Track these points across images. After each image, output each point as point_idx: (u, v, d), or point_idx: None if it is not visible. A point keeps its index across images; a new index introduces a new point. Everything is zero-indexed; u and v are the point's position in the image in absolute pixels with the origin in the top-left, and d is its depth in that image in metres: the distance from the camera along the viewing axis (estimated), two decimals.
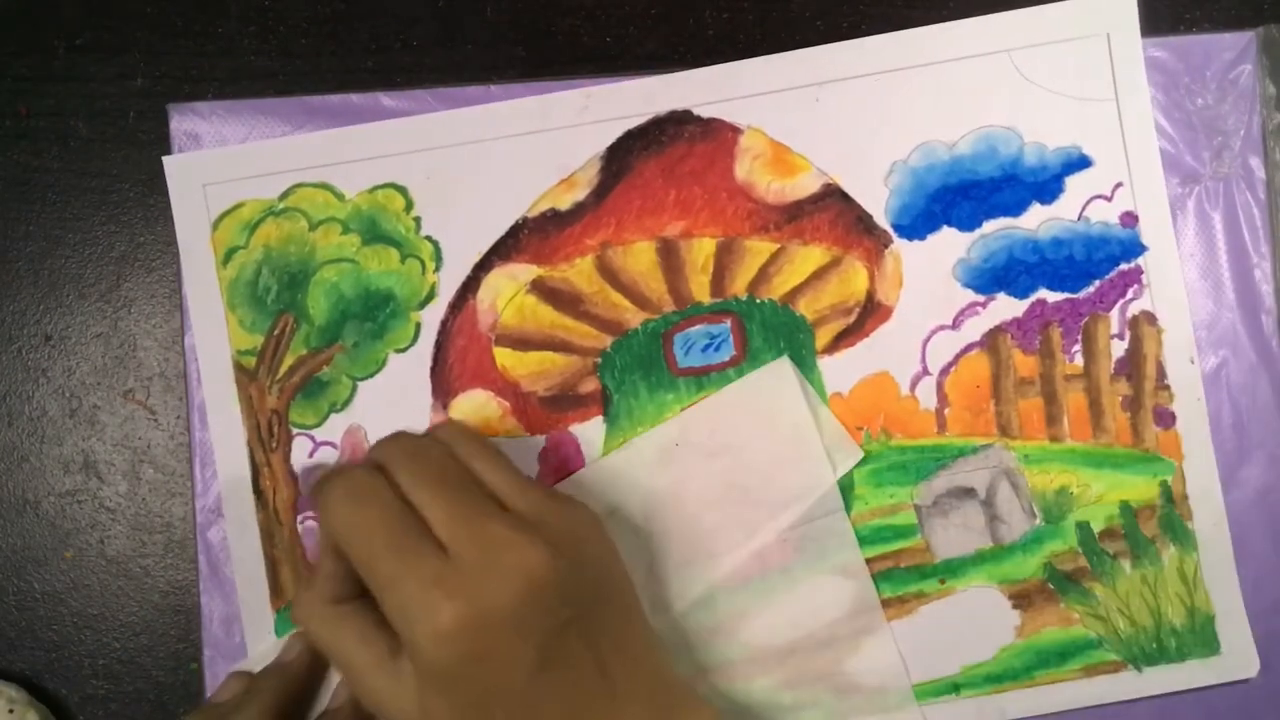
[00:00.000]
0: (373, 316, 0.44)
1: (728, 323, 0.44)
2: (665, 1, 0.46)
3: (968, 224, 0.45)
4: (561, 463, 0.44)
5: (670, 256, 0.44)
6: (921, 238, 0.44)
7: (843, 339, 0.44)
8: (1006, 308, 0.44)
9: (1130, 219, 0.44)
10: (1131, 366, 0.44)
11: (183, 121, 0.45)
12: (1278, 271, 0.45)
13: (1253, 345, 0.45)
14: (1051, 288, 0.44)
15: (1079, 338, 0.44)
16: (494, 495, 0.36)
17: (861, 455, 0.44)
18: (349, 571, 0.36)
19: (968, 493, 0.44)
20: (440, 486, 0.35)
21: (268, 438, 0.44)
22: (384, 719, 0.36)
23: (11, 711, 0.42)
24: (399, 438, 0.38)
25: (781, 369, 0.44)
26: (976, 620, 0.44)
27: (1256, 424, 0.45)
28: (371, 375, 0.44)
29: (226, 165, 0.44)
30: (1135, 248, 0.44)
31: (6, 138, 0.46)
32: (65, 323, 0.46)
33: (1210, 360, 0.45)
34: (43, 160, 0.46)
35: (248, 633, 0.44)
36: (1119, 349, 0.44)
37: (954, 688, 0.44)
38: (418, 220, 0.44)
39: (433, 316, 0.44)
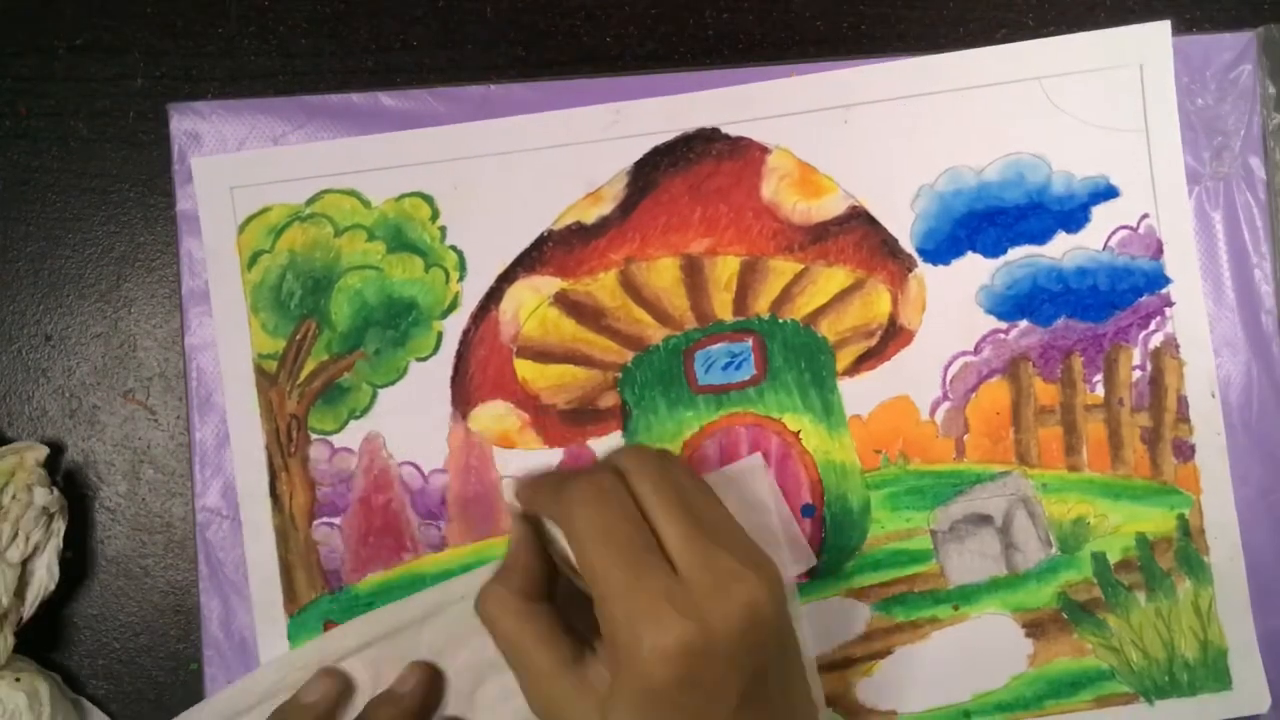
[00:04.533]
0: (395, 324, 0.44)
1: (749, 342, 0.44)
2: (665, 1, 0.46)
3: (992, 251, 0.44)
4: None
5: (694, 274, 0.44)
6: (946, 263, 0.44)
7: (864, 362, 0.44)
8: (1029, 335, 0.44)
9: (1155, 251, 0.44)
10: (1152, 398, 0.44)
11: (183, 121, 0.45)
12: (1278, 271, 0.45)
13: (1252, 345, 0.45)
14: (1074, 317, 0.44)
15: (1100, 368, 0.44)
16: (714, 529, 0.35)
17: (814, 561, 0.43)
18: (544, 572, 0.36)
19: (984, 519, 0.44)
20: (679, 507, 0.34)
21: (286, 442, 0.44)
22: None
23: (19, 680, 0.42)
24: (641, 451, 0.37)
25: (755, 467, 0.43)
26: (989, 648, 0.44)
27: (1256, 424, 0.45)
28: (392, 383, 0.44)
29: (254, 169, 0.44)
30: (1159, 279, 0.44)
31: (6, 138, 0.46)
32: (65, 323, 0.46)
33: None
34: (43, 160, 0.46)
35: (260, 637, 0.44)
36: (1140, 380, 0.44)
37: (965, 715, 0.44)
38: (443, 229, 0.44)
39: (455, 326, 0.44)
